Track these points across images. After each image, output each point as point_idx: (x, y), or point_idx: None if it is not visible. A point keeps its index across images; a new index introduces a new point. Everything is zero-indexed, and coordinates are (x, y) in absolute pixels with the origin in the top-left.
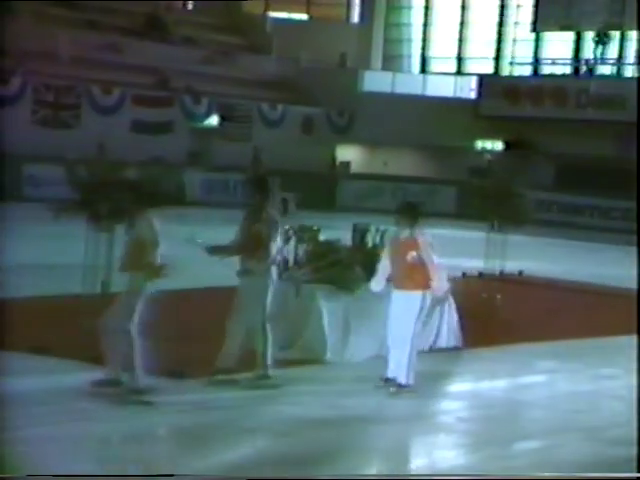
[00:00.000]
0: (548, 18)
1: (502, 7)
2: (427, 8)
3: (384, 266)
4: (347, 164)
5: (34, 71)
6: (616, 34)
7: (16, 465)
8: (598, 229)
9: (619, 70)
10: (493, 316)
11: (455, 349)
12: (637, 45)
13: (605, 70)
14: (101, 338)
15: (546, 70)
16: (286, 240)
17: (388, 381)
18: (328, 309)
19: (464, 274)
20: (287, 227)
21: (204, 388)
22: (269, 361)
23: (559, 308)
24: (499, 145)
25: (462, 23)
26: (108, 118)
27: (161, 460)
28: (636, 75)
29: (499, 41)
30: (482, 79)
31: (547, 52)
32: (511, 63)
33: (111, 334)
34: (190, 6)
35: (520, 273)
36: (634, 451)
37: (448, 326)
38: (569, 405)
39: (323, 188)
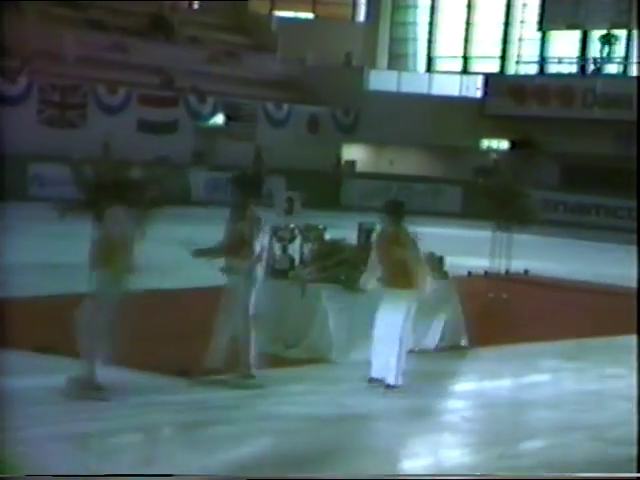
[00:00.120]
0: (554, 17)
1: (508, 6)
2: (433, 7)
3: (373, 264)
4: (352, 163)
5: (40, 71)
6: (622, 34)
7: (17, 465)
8: (604, 228)
9: (625, 69)
10: (499, 315)
11: (460, 348)
12: (638, 45)
13: (612, 69)
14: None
15: (552, 69)
16: (291, 239)
17: (372, 381)
18: (333, 308)
19: (470, 273)
20: (292, 226)
21: (193, 388)
22: (252, 360)
23: (565, 307)
24: (505, 144)
25: (468, 22)
26: (114, 118)
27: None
28: None
29: (505, 40)
30: (488, 78)
31: (553, 51)
32: (517, 62)
33: (81, 330)
34: (195, 6)
35: (526, 272)
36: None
37: (454, 325)
38: (574, 404)
39: (329, 187)
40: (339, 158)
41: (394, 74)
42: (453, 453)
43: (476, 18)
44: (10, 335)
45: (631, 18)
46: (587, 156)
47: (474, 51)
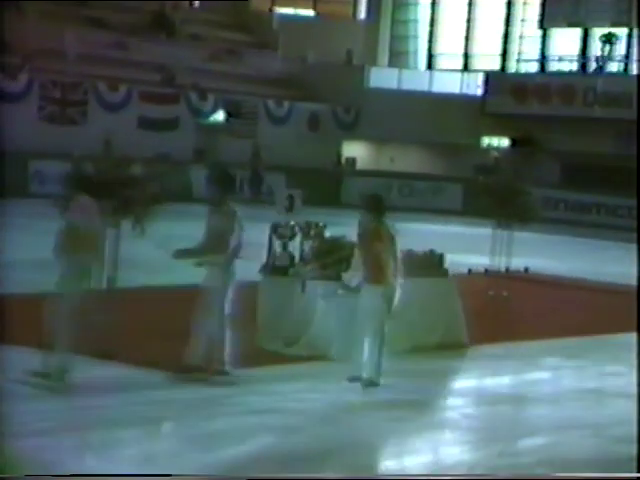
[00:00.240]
0: (555, 15)
1: (509, 4)
2: (434, 5)
3: (357, 261)
4: (353, 161)
5: (41, 68)
6: (623, 33)
7: (18, 463)
8: (605, 227)
9: (626, 68)
10: (499, 313)
11: (460, 345)
12: (637, 44)
13: (612, 68)
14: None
15: (553, 67)
16: (292, 236)
17: (353, 379)
18: (333, 305)
19: (470, 271)
20: (293, 223)
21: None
22: (226, 357)
23: (565, 305)
24: (505, 142)
25: (469, 20)
26: (114, 115)
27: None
28: None
29: (506, 38)
30: (489, 76)
31: (554, 49)
32: (518, 60)
33: (53, 316)
34: (196, 4)
35: (526, 270)
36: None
37: (454, 322)
38: (574, 402)
39: (329, 185)
40: (340, 156)
41: (395, 72)
42: (453, 450)
43: (477, 16)
44: (12, 332)
45: (631, 17)
46: (587, 154)
47: (475, 49)
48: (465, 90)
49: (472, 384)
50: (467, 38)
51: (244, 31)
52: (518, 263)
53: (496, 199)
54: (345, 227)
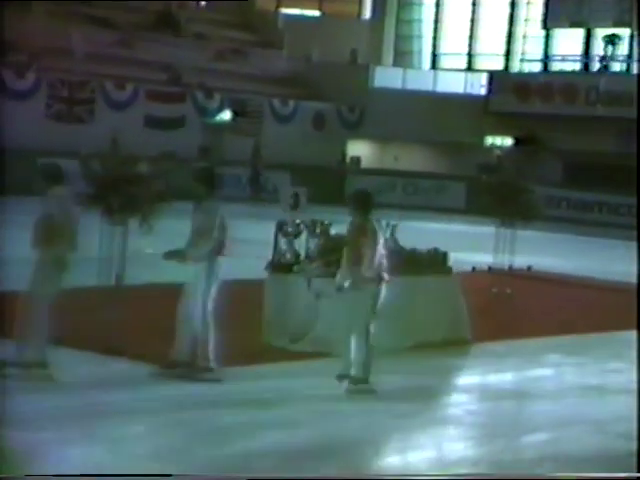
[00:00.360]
0: (558, 15)
1: (512, 4)
2: (438, 5)
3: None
4: (358, 159)
5: (49, 66)
6: (626, 33)
7: (19, 461)
8: (607, 225)
9: (628, 67)
10: (502, 310)
11: (464, 342)
12: (637, 44)
13: (615, 67)
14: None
15: (556, 67)
16: (297, 234)
17: (342, 377)
18: (338, 302)
19: (474, 269)
20: (298, 221)
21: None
22: (211, 354)
23: (567, 303)
24: (509, 141)
25: (473, 20)
26: (121, 113)
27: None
28: None
29: (509, 38)
30: (492, 75)
31: (557, 49)
32: (521, 60)
33: (29, 305)
34: (202, 3)
35: (529, 268)
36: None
37: (457, 319)
38: (576, 398)
39: (334, 183)
40: (344, 154)
41: (399, 71)
42: (457, 446)
43: (481, 16)
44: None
45: (633, 17)
46: (590, 153)
47: (479, 49)
48: (469, 89)
49: (476, 380)
50: (471, 38)
51: (249, 30)
52: (521, 261)
53: (499, 197)
54: None
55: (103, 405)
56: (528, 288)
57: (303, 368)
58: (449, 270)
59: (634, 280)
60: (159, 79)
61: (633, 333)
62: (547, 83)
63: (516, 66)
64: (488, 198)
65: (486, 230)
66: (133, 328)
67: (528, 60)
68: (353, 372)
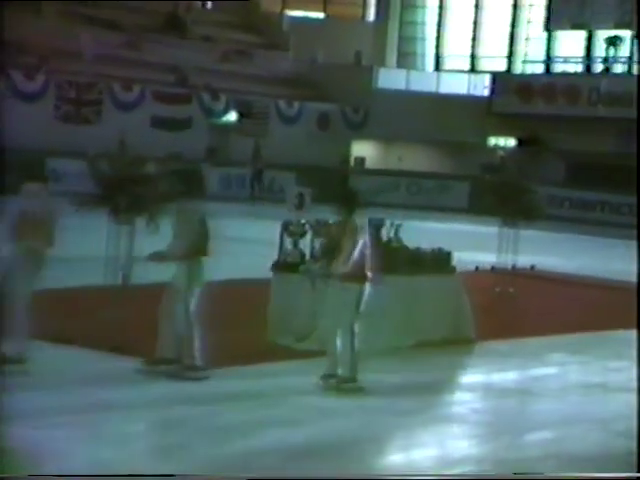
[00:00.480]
0: (560, 17)
1: (515, 6)
2: (441, 7)
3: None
4: (362, 160)
5: (57, 68)
6: (627, 34)
7: (23, 459)
8: (609, 224)
9: (630, 68)
10: (505, 309)
11: (468, 341)
12: (638, 46)
13: (616, 68)
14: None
15: (558, 68)
16: (302, 234)
17: (327, 377)
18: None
19: (477, 268)
20: (303, 221)
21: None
22: (196, 352)
23: (570, 302)
24: (511, 142)
25: (475, 22)
26: (128, 114)
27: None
28: None
29: (512, 40)
30: (495, 77)
31: (559, 50)
32: (524, 61)
33: (9, 299)
34: (208, 5)
35: (532, 267)
36: None
37: (461, 318)
38: (579, 396)
39: (338, 183)
40: (348, 155)
41: (403, 72)
42: (461, 444)
43: (483, 18)
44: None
45: (634, 19)
46: (592, 153)
47: (482, 50)
48: (472, 91)
49: (479, 379)
50: (474, 40)
51: (255, 32)
52: (524, 260)
53: (502, 197)
54: None
55: (104, 403)
56: (531, 287)
57: (308, 366)
58: (453, 269)
59: (634, 279)
60: (166, 80)
61: (633, 332)
62: (549, 84)
63: (519, 68)
64: (491, 198)
65: (489, 230)
66: (140, 327)
67: (531, 62)
68: (340, 372)
